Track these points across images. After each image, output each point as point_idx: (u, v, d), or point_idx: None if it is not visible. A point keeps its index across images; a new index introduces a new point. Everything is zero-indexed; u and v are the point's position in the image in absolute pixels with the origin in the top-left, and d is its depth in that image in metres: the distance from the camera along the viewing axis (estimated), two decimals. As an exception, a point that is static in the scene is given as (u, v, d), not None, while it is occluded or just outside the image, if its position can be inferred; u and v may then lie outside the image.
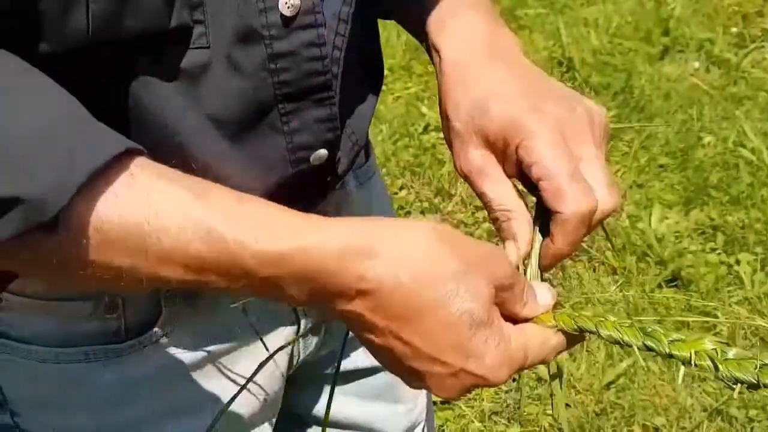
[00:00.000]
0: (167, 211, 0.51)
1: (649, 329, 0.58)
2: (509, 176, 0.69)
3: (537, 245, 0.67)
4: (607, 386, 1.88)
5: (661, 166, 2.51)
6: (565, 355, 1.96)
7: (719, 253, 2.19)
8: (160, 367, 0.75)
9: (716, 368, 0.55)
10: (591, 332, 0.61)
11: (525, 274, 0.67)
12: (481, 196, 0.69)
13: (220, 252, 0.51)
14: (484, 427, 1.83)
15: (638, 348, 0.58)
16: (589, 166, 0.65)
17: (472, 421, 1.84)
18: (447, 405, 1.88)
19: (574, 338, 0.63)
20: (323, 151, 0.69)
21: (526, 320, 0.62)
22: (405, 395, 0.97)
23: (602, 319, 0.61)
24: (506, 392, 1.90)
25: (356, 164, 0.83)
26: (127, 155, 0.51)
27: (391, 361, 0.58)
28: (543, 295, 0.63)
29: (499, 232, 0.69)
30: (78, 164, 0.48)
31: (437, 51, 0.72)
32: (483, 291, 0.56)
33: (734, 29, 3.09)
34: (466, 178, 0.70)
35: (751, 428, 1.75)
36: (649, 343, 0.58)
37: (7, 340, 0.72)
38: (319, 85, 0.65)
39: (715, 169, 2.45)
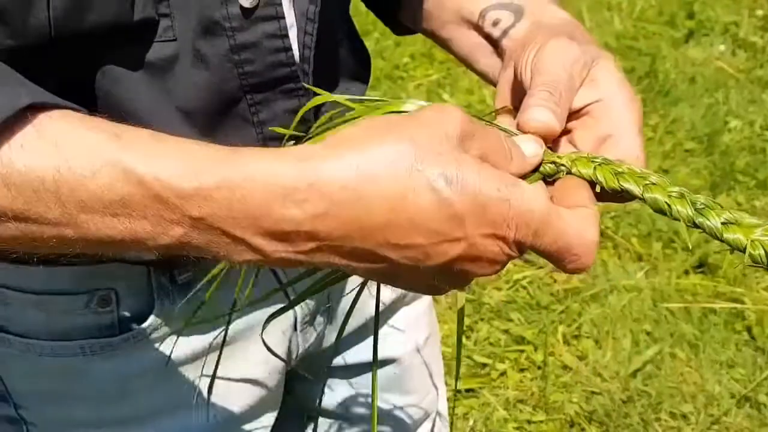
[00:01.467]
0: (79, 157, 0.47)
1: (701, 205, 0.50)
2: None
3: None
4: (634, 374, 1.86)
5: (687, 150, 2.48)
6: (591, 342, 1.95)
7: (747, 239, 2.16)
8: (157, 361, 0.75)
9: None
10: (635, 195, 0.52)
11: None
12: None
13: (143, 194, 0.47)
14: (509, 415, 1.82)
15: (686, 222, 0.50)
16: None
17: (497, 409, 1.83)
18: (471, 393, 1.87)
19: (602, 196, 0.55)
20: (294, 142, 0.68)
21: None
22: (415, 386, 0.96)
23: (650, 182, 0.52)
24: (531, 380, 1.89)
25: None
26: (39, 109, 0.48)
27: (417, 281, 0.52)
28: (527, 145, 0.55)
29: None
30: None
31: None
32: (442, 147, 0.48)
33: (760, 12, 3.04)
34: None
35: (781, 415, 1.73)
36: (700, 220, 0.50)
37: (6, 334, 0.72)
38: (285, 76, 0.66)
39: (742, 154, 2.42)
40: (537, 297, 2.04)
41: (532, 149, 0.55)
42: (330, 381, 0.94)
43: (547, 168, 0.55)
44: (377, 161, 0.47)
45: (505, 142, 0.52)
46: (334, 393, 0.94)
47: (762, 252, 0.48)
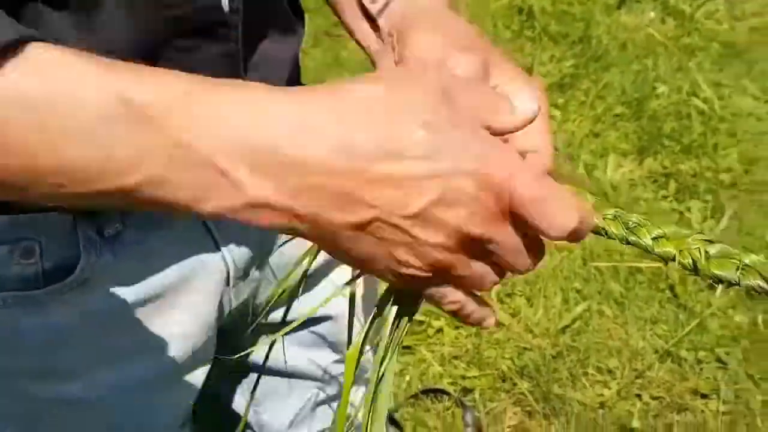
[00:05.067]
0: (70, 81, 0.45)
1: (633, 224, 0.56)
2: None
3: None
4: (563, 330, 1.94)
5: (616, 115, 2.55)
6: (523, 300, 2.02)
7: (671, 201, 2.26)
8: (86, 314, 0.74)
9: (696, 270, 0.53)
10: None
11: None
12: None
13: (130, 117, 0.45)
14: (444, 370, 1.89)
15: (620, 241, 0.56)
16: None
17: (433, 365, 1.89)
18: (408, 350, 1.93)
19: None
20: None
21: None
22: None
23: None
24: (466, 337, 1.95)
25: None
26: (24, 43, 0.46)
27: (372, 248, 0.50)
28: (524, 100, 0.53)
29: None
30: None
31: None
32: (427, 93, 0.48)
33: (689, -20, 3.13)
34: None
35: (700, 369, 1.82)
36: (632, 238, 0.56)
37: None
38: (215, 20, 0.66)
39: (669, 119, 2.50)
40: (472, 256, 2.10)
41: (527, 104, 0.53)
42: (264, 338, 0.94)
43: None
44: (350, 102, 0.48)
45: (497, 100, 0.52)
46: (267, 348, 0.94)
47: (690, 260, 0.54)
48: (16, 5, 0.58)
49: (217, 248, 0.81)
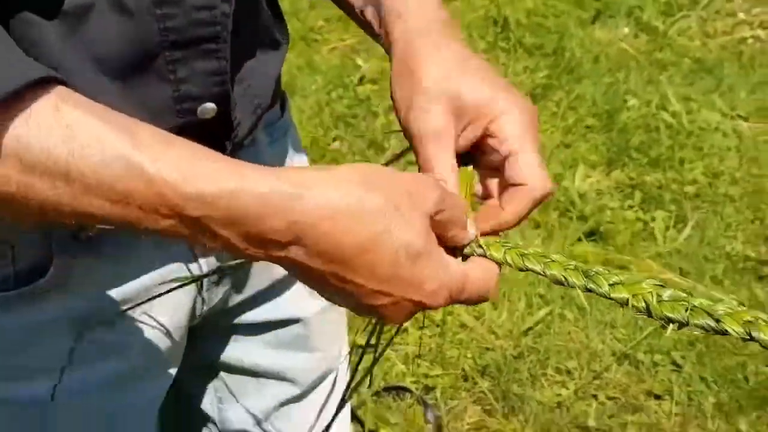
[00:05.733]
0: (92, 146, 0.51)
1: (592, 273, 0.61)
2: (457, 149, 0.69)
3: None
4: (525, 332, 1.98)
5: (587, 126, 2.60)
6: (488, 303, 2.06)
7: (636, 210, 2.30)
8: (57, 316, 0.74)
9: (649, 312, 0.58)
10: (537, 272, 0.63)
11: None
12: (424, 159, 0.68)
13: (147, 190, 0.52)
14: (408, 369, 1.92)
15: (580, 289, 0.61)
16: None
17: (396, 364, 1.92)
18: (372, 349, 1.95)
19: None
20: (210, 105, 0.69)
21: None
22: (318, 344, 0.98)
23: (549, 260, 0.63)
24: (430, 337, 1.98)
25: (269, 119, 0.84)
26: (47, 84, 0.51)
27: (340, 300, 0.60)
28: (471, 228, 0.65)
29: None
30: None
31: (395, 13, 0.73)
32: (416, 222, 0.58)
33: (663, -3, 3.19)
34: (415, 138, 0.68)
35: (656, 371, 1.86)
36: (591, 285, 0.61)
37: None
38: (206, 35, 0.66)
39: (638, 132, 2.55)
40: (439, 258, 2.13)
41: (474, 231, 0.65)
42: (235, 338, 0.95)
43: (467, 249, 0.66)
44: (361, 209, 0.56)
45: (464, 216, 0.63)
46: (238, 350, 0.95)
47: (643, 304, 0.59)
48: (5, 15, 0.59)
49: (192, 252, 0.81)
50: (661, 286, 0.59)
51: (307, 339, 0.96)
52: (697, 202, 2.32)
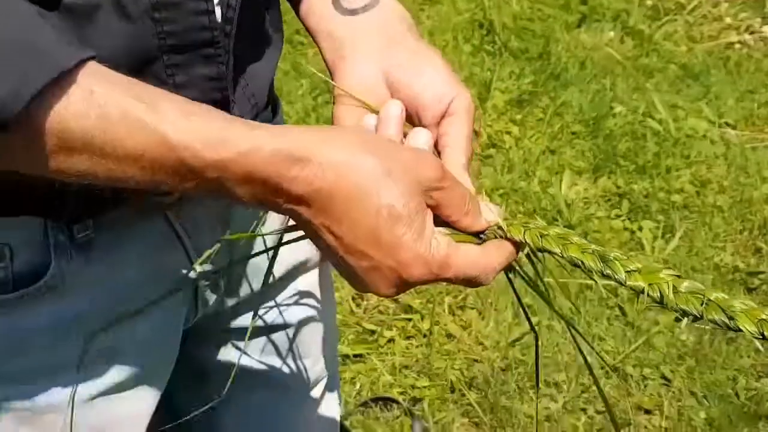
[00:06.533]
0: (120, 121, 0.56)
1: (610, 257, 0.61)
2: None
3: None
4: (513, 343, 1.96)
5: (573, 133, 2.58)
6: (474, 313, 2.04)
7: (623, 220, 2.29)
8: (54, 319, 0.74)
9: (663, 302, 0.58)
10: (555, 254, 0.64)
11: None
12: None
13: (171, 158, 0.58)
14: (395, 380, 1.89)
15: (597, 274, 0.62)
16: None
17: (383, 374, 1.90)
18: (359, 359, 1.93)
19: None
20: None
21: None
22: (308, 351, 0.98)
23: (568, 242, 0.63)
24: (417, 347, 1.96)
25: (263, 120, 0.83)
26: (82, 63, 0.56)
27: (332, 257, 0.64)
28: (489, 213, 0.68)
29: None
30: (32, 74, 0.53)
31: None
32: (405, 188, 0.61)
33: (649, 2, 3.18)
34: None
35: (645, 385, 1.86)
36: (607, 271, 0.61)
37: None
38: (205, 40, 0.67)
39: (624, 139, 2.54)
40: (426, 268, 2.11)
41: (492, 217, 0.68)
42: (226, 344, 0.95)
43: (488, 231, 0.67)
44: (356, 168, 0.60)
45: (467, 200, 0.65)
46: (230, 356, 0.95)
47: (658, 294, 0.59)
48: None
49: (188, 256, 0.81)
50: (678, 276, 0.58)
51: (297, 345, 0.96)
52: (685, 212, 2.31)
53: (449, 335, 1.99)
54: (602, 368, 1.89)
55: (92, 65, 0.57)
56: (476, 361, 1.93)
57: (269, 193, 0.60)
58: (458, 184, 0.65)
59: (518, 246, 0.66)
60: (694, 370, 1.87)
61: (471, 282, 0.65)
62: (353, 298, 2.07)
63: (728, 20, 3.14)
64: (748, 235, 2.24)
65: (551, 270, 2.19)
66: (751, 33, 3.08)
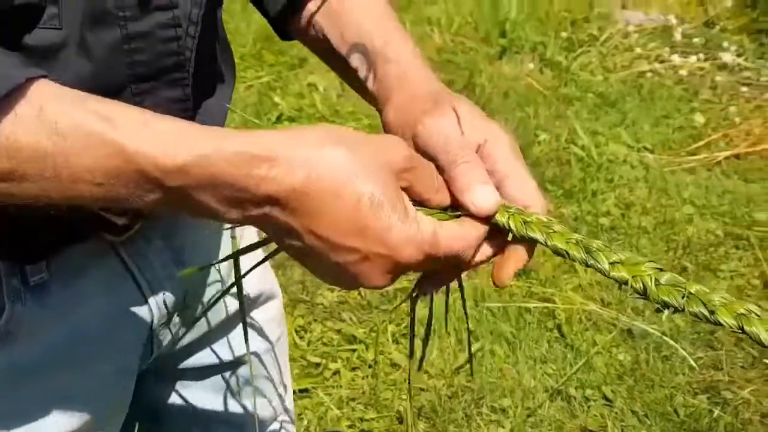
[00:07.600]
0: (74, 133, 0.55)
1: (593, 248, 0.60)
2: None
3: None
4: (458, 370, 1.98)
5: (501, 161, 2.64)
6: (418, 341, 2.05)
7: (555, 244, 2.35)
8: (6, 366, 0.73)
9: (646, 295, 0.58)
10: (538, 241, 0.62)
11: None
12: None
13: (129, 170, 0.56)
14: (342, 413, 1.89)
15: (581, 263, 0.61)
16: None
17: (331, 408, 1.89)
18: (305, 394, 1.92)
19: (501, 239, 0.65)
20: None
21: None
22: (265, 389, 0.98)
23: (552, 230, 0.62)
24: (363, 378, 1.96)
25: None
26: (32, 81, 0.55)
27: (313, 261, 0.61)
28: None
29: None
30: None
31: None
32: (380, 173, 0.59)
33: (564, 34, 3.30)
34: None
35: (588, 407, 1.90)
36: (591, 261, 0.60)
37: None
38: (172, 65, 0.68)
39: (551, 165, 2.62)
40: (368, 297, 2.12)
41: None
42: (181, 383, 0.94)
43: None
44: (326, 162, 0.58)
45: (436, 178, 0.63)
46: (185, 395, 0.94)
47: (641, 286, 0.59)
48: None
49: (142, 295, 0.80)
50: (660, 269, 0.59)
51: (253, 382, 0.96)
52: (613, 234, 2.39)
53: (394, 364, 1.99)
54: (546, 391, 1.93)
55: (43, 82, 0.55)
56: (422, 389, 1.94)
57: (237, 198, 0.57)
58: (427, 163, 0.64)
59: (496, 227, 0.64)
60: (634, 390, 1.92)
61: (457, 259, 0.62)
62: (296, 331, 2.06)
63: (638, 50, 3.29)
64: (674, 254, 2.33)
65: (489, 295, 2.22)
66: (661, 62, 3.23)
